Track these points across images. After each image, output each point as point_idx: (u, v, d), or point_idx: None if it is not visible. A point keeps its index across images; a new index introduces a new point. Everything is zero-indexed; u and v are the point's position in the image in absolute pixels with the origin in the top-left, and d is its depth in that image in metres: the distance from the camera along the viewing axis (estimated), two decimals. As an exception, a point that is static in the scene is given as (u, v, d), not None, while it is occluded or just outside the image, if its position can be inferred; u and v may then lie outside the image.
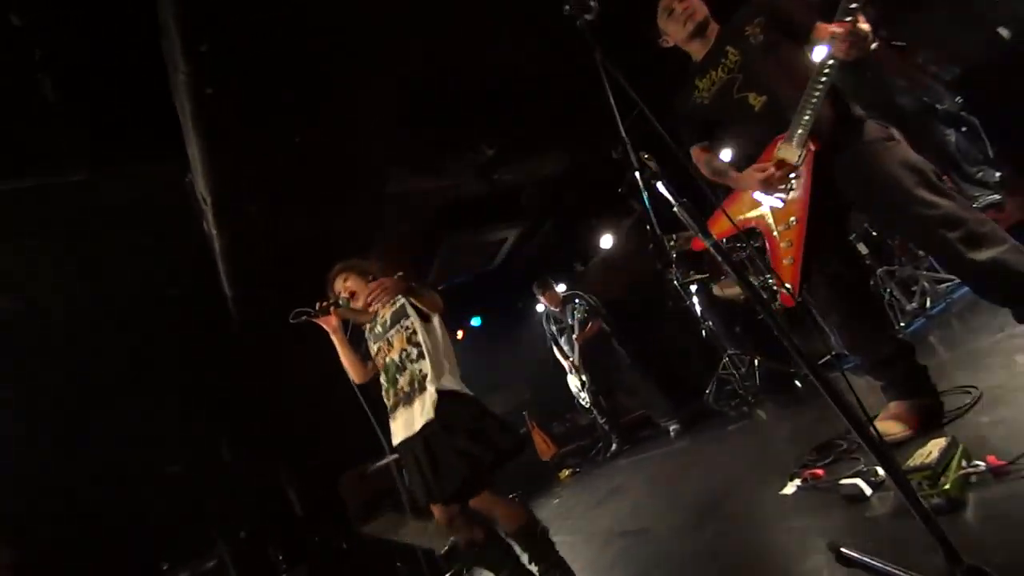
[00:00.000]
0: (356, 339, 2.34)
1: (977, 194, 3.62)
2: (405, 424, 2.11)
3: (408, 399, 2.11)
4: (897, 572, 1.12)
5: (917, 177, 1.67)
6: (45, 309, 3.63)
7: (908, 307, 3.48)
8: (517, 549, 2.13)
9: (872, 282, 3.57)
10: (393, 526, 3.69)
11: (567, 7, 1.38)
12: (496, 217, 5.41)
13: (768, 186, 1.85)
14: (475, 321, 6.84)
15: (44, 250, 3.26)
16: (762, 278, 3.45)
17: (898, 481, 0.85)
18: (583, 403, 5.22)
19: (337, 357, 2.29)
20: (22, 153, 2.62)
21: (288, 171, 2.95)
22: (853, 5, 1.54)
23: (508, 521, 2.09)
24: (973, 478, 1.34)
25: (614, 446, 5.02)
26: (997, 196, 3.59)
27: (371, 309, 2.18)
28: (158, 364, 4.50)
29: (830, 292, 1.91)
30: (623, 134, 1.03)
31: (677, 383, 5.02)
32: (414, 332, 2.15)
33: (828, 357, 2.46)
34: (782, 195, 1.86)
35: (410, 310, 2.19)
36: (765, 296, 1.45)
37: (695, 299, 4.48)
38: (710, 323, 4.49)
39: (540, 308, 5.44)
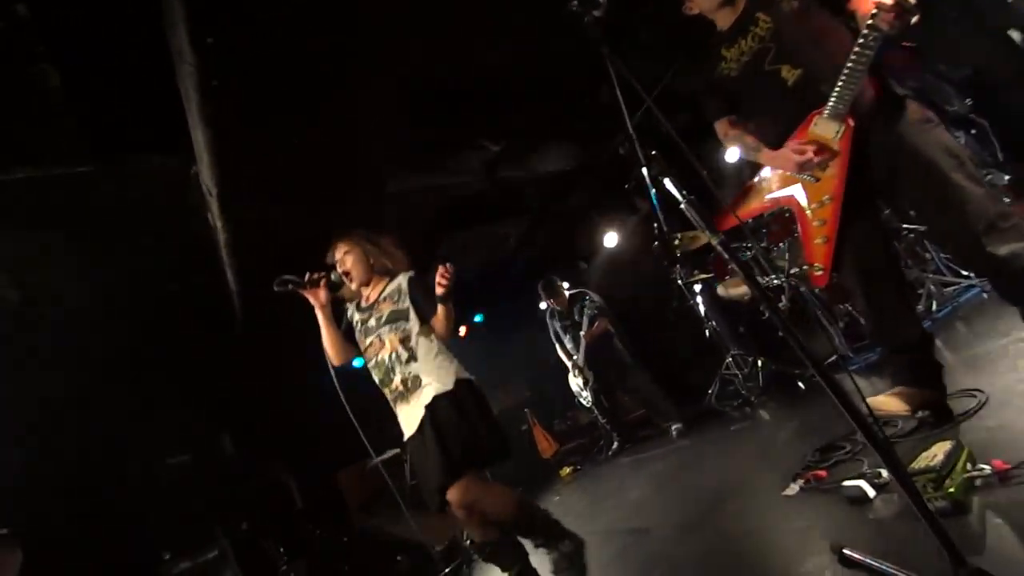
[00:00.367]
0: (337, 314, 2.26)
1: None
2: (407, 420, 2.10)
3: (402, 397, 2.10)
4: (900, 574, 1.11)
5: (955, 162, 1.62)
6: (47, 301, 3.64)
7: (917, 308, 3.46)
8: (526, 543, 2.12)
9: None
10: (392, 521, 3.70)
11: (574, 3, 1.35)
12: (499, 214, 5.40)
13: (805, 169, 1.77)
14: (477, 318, 6.84)
15: (46, 242, 3.25)
16: (767, 278, 3.44)
17: (903, 482, 0.85)
18: (584, 402, 5.21)
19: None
20: (26, 145, 2.62)
21: (292, 163, 2.95)
22: None
23: (501, 508, 2.04)
24: (978, 481, 1.33)
25: (615, 445, 5.02)
26: (1006, 199, 3.56)
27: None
28: (161, 357, 4.52)
29: (860, 273, 1.85)
30: (630, 130, 1.02)
31: (679, 383, 5.02)
32: (409, 337, 2.11)
33: (833, 358, 2.45)
34: (817, 173, 1.77)
35: (413, 314, 2.13)
36: (771, 296, 1.43)
37: (699, 299, 4.47)
38: (713, 323, 4.47)
39: (543, 305, 5.42)
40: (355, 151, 3.22)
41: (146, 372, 4.46)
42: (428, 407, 2.02)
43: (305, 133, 2.87)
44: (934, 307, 3.38)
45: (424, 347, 2.11)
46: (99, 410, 4.21)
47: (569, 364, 5.15)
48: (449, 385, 2.04)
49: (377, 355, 2.14)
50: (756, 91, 1.87)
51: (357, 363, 5.15)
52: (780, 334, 3.34)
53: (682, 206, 0.92)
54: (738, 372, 4.18)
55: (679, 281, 4.52)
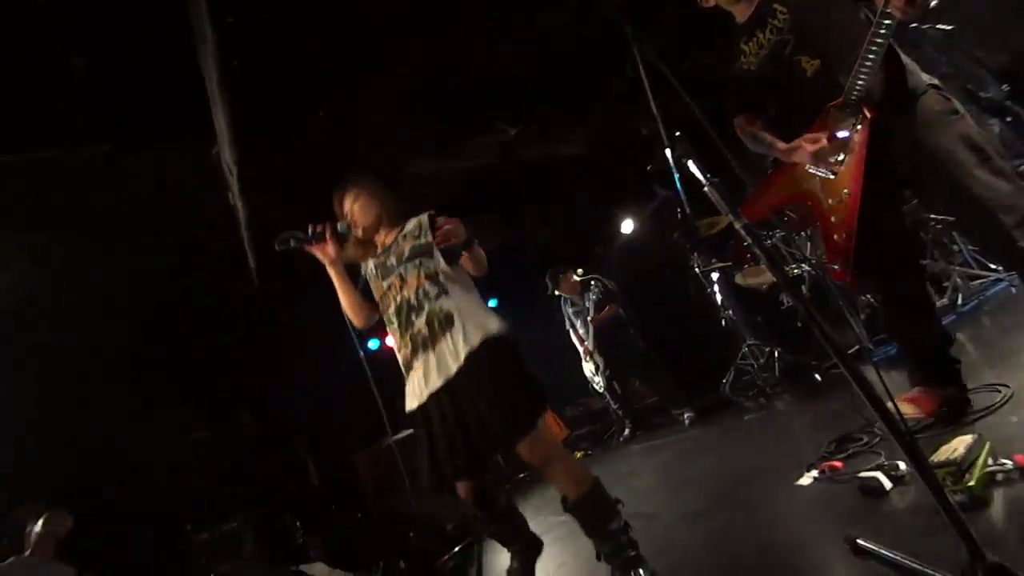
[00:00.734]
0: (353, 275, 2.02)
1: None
2: (426, 374, 1.74)
3: (427, 343, 1.75)
4: (915, 566, 1.10)
5: (977, 155, 1.56)
6: (73, 279, 3.73)
7: (938, 303, 3.38)
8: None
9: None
10: (406, 499, 3.76)
11: None
12: (515, 199, 5.38)
13: (819, 158, 1.72)
14: (491, 303, 6.86)
15: (70, 221, 3.32)
16: (788, 267, 3.38)
17: (924, 474, 0.83)
18: (597, 387, 5.22)
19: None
20: (51, 125, 2.66)
21: (311, 141, 2.96)
22: None
23: (568, 485, 1.71)
24: (999, 476, 1.31)
25: (627, 431, 5.03)
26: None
27: (438, 244, 1.81)
28: (183, 333, 4.62)
29: (879, 271, 1.81)
30: (654, 110, 1.00)
31: (694, 371, 4.98)
32: (435, 271, 1.82)
33: (856, 348, 2.41)
34: (834, 167, 1.72)
35: (437, 252, 1.85)
36: (794, 284, 1.40)
37: (716, 287, 4.42)
38: (730, 312, 4.42)
39: (557, 291, 5.41)
40: (373, 132, 3.22)
41: (171, 349, 4.57)
42: (471, 353, 1.68)
43: (323, 112, 2.87)
44: (960, 300, 3.30)
45: (457, 282, 1.83)
46: (126, 386, 4.34)
47: (581, 350, 5.16)
48: (493, 330, 1.73)
49: (397, 296, 1.84)
50: (776, 84, 1.82)
51: (373, 345, 5.19)
52: (799, 324, 3.31)
53: (705, 189, 0.91)
54: (754, 362, 4.14)
55: (696, 269, 4.47)
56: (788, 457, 2.25)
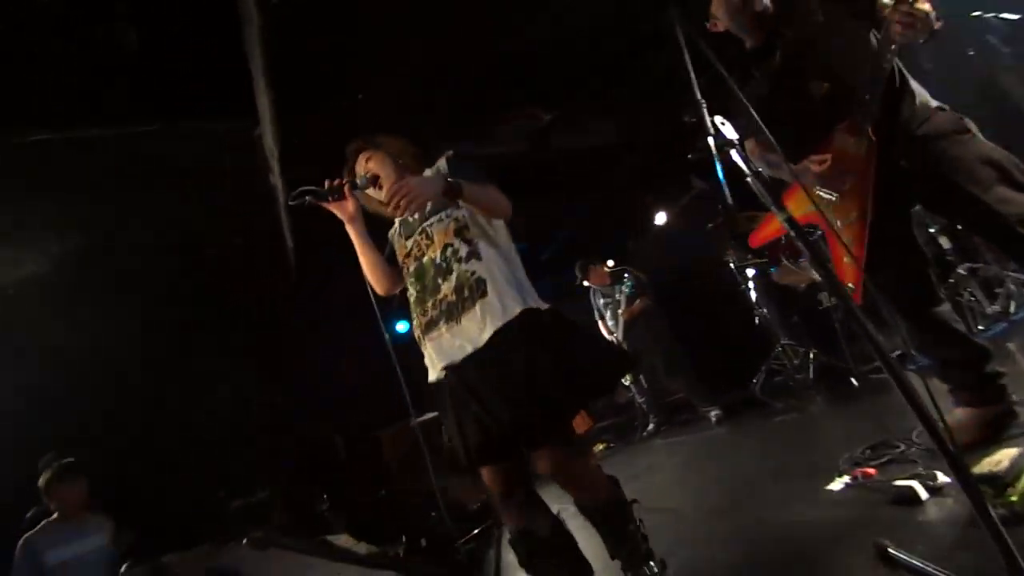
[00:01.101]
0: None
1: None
2: (448, 346, 1.52)
3: (454, 311, 1.52)
4: (948, 578, 1.07)
5: (995, 172, 1.54)
6: (111, 254, 3.89)
7: (989, 309, 3.22)
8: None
9: (951, 280, 3.32)
10: (428, 479, 3.84)
11: None
12: (546, 187, 5.34)
13: (825, 179, 1.73)
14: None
15: (113, 197, 3.43)
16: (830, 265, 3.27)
17: (967, 487, 0.80)
18: (623, 380, 5.18)
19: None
20: (101, 101, 2.75)
21: (352, 124, 3.00)
22: None
23: (583, 493, 1.51)
24: (1045, 493, 1.25)
25: (651, 426, 4.99)
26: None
27: (391, 213, 1.60)
28: (222, 309, 4.79)
29: (896, 291, 1.79)
30: (698, 96, 0.97)
31: (723, 369, 4.90)
32: (466, 226, 1.59)
33: (899, 353, 2.32)
34: (841, 188, 1.73)
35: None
36: (840, 281, 1.34)
37: (751, 284, 4.31)
38: (764, 310, 4.31)
39: (585, 283, 5.37)
40: (410, 115, 3.24)
41: (209, 325, 4.74)
42: (504, 328, 1.44)
43: (364, 95, 2.90)
44: (1012, 308, 3.14)
45: (492, 241, 1.59)
46: (165, 359, 4.54)
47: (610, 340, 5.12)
48: (531, 303, 1.51)
49: (424, 257, 1.62)
50: (786, 107, 1.82)
51: (403, 328, 5.24)
52: (837, 325, 3.18)
53: (748, 179, 0.88)
54: (787, 363, 4.03)
55: (731, 264, 4.37)
56: (819, 460, 2.20)
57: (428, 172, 1.75)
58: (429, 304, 1.58)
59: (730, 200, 0.97)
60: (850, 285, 1.81)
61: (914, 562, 1.19)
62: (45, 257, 3.72)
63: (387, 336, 1.82)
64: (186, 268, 4.33)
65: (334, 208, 1.73)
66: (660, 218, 5.82)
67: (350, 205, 1.73)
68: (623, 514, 1.53)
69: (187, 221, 3.88)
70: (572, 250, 6.35)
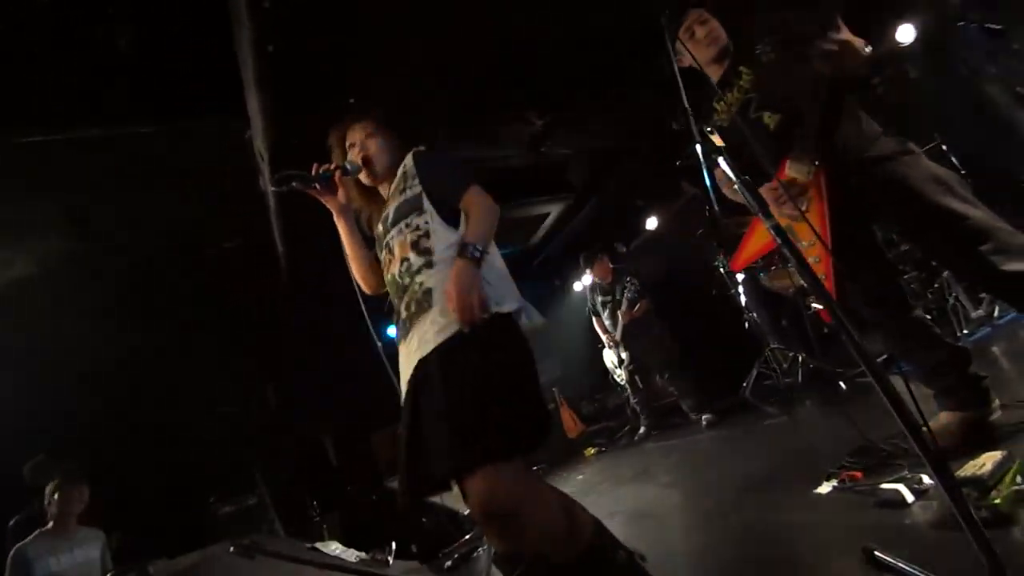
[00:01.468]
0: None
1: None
2: (404, 366, 1.39)
3: (407, 328, 1.38)
4: (933, 581, 1.08)
5: (941, 188, 1.62)
6: (111, 254, 3.86)
7: (974, 314, 3.27)
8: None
9: (936, 285, 3.37)
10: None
11: None
12: (540, 191, 5.35)
13: (780, 205, 1.81)
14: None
15: (108, 196, 3.41)
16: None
17: (949, 489, 0.81)
18: (618, 379, 5.17)
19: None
20: (93, 104, 2.74)
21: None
22: (823, 23, 1.59)
23: (545, 527, 1.18)
24: (1028, 496, 1.27)
25: (642, 430, 5.00)
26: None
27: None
28: (214, 312, 4.75)
29: (869, 304, 1.85)
30: (686, 104, 0.99)
31: (714, 373, 4.93)
32: (426, 234, 1.40)
33: (885, 357, 2.35)
34: (794, 211, 1.82)
35: (428, 203, 1.44)
36: (823, 286, 1.39)
37: (740, 288, 4.35)
38: (754, 315, 4.35)
39: (578, 288, 5.37)
40: (404, 120, 3.23)
41: (200, 326, 4.70)
42: (438, 347, 1.27)
43: (362, 97, 2.89)
44: (996, 312, 3.19)
45: (447, 245, 1.39)
46: (155, 360, 4.49)
47: (605, 339, 5.12)
48: (491, 307, 1.30)
49: (387, 274, 1.49)
50: (745, 139, 1.94)
51: (393, 332, 5.22)
52: (826, 329, 3.25)
53: (735, 186, 0.89)
54: (776, 367, 4.07)
55: (721, 269, 4.40)
56: (807, 464, 2.22)
57: (399, 172, 1.57)
58: (397, 322, 1.46)
59: (716, 207, 0.98)
60: (818, 306, 1.88)
61: (900, 565, 1.20)
62: (36, 258, 3.68)
63: (378, 344, 1.75)
64: (180, 270, 4.30)
65: (322, 197, 1.58)
66: (651, 223, 5.85)
67: (340, 194, 1.58)
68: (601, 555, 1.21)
69: (183, 223, 3.85)
70: (567, 254, 6.37)
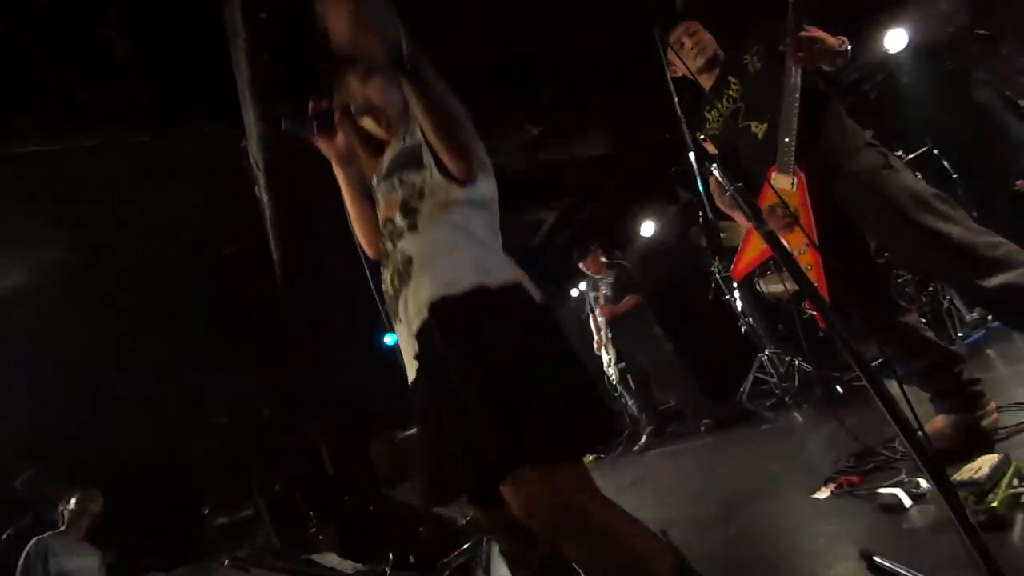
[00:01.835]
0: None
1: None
2: (404, 348, 1.17)
3: (394, 305, 1.17)
4: (933, 586, 1.08)
5: (917, 204, 1.63)
6: (105, 263, 3.85)
7: (968, 317, 3.29)
8: None
9: (931, 288, 3.39)
10: (417, 492, 3.80)
11: None
12: (535, 198, 5.36)
13: (770, 217, 1.82)
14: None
15: (103, 206, 3.40)
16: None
17: (945, 493, 0.81)
18: (610, 378, 4.99)
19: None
20: (90, 112, 2.74)
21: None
22: (793, 19, 1.60)
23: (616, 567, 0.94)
24: (1024, 498, 1.27)
25: (644, 438, 4.74)
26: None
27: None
28: (208, 320, 4.73)
29: (862, 309, 1.87)
30: (679, 112, 1.00)
31: (711, 379, 4.92)
32: (419, 194, 1.17)
33: (880, 360, 2.36)
34: (785, 224, 1.86)
35: (427, 154, 1.18)
36: (818, 291, 1.40)
37: (736, 294, 4.36)
38: (750, 320, 4.36)
39: (574, 293, 5.34)
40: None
41: (195, 334, 4.68)
42: (427, 320, 1.06)
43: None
44: (990, 316, 3.20)
45: (437, 204, 1.14)
46: (149, 370, 4.46)
47: (596, 338, 5.02)
48: (459, 284, 1.05)
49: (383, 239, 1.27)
50: (736, 147, 2.00)
51: (390, 339, 5.21)
52: (821, 334, 3.26)
53: (728, 193, 0.90)
54: (773, 371, 4.07)
55: (717, 275, 4.41)
56: (805, 469, 2.22)
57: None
58: (389, 299, 1.22)
59: (710, 213, 0.99)
60: (812, 312, 1.91)
61: (899, 570, 1.20)
62: (29, 266, 3.66)
63: (368, 273, 1.45)
64: (175, 278, 4.28)
65: (318, 141, 1.30)
66: (647, 229, 5.87)
67: (340, 139, 1.29)
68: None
69: (178, 230, 3.84)
70: (563, 261, 6.36)
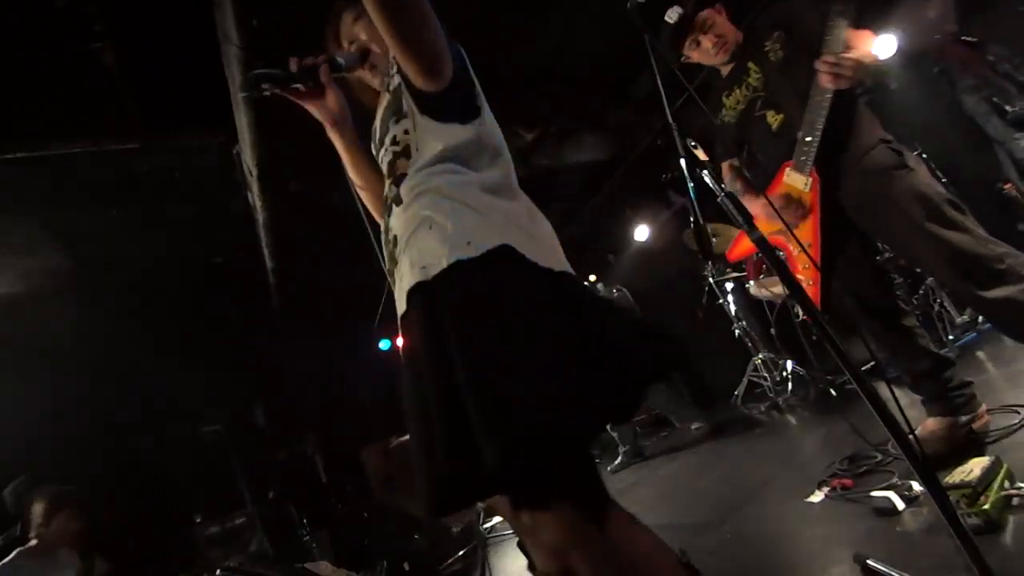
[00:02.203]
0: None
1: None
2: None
3: (393, 279, 1.03)
4: (926, 589, 1.08)
5: (925, 209, 1.62)
6: (98, 271, 3.82)
7: (959, 319, 3.32)
8: None
9: (922, 291, 3.42)
10: (411, 500, 3.77)
11: None
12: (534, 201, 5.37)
13: (782, 213, 1.82)
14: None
15: (94, 214, 3.38)
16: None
17: (936, 496, 0.82)
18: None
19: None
20: (81, 119, 2.73)
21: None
22: (833, 35, 1.57)
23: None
24: (1015, 500, 1.28)
25: (620, 457, 4.35)
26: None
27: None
28: (201, 327, 4.70)
29: (858, 311, 1.88)
30: (670, 119, 1.00)
31: (704, 383, 4.92)
32: (404, 152, 1.02)
33: (871, 364, 2.38)
34: (794, 220, 1.84)
35: (408, 99, 1.04)
36: (807, 295, 1.41)
37: (730, 297, 4.38)
38: (744, 323, 4.38)
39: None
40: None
41: (187, 342, 4.65)
42: (405, 311, 0.94)
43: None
44: (980, 319, 3.23)
45: (420, 167, 0.99)
46: (140, 377, 4.42)
47: None
48: (444, 258, 0.88)
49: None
50: (750, 136, 1.98)
51: (384, 345, 5.18)
52: (814, 337, 3.28)
53: (719, 200, 0.91)
54: (767, 375, 4.08)
55: (710, 279, 4.43)
56: (799, 473, 2.22)
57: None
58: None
59: (701, 220, 0.99)
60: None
61: (893, 573, 1.20)
62: (19, 275, 3.63)
63: (372, 238, 1.22)
64: (167, 286, 4.26)
65: (308, 104, 1.15)
66: (641, 233, 5.89)
67: (331, 98, 1.13)
68: None
69: (170, 238, 3.82)
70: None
